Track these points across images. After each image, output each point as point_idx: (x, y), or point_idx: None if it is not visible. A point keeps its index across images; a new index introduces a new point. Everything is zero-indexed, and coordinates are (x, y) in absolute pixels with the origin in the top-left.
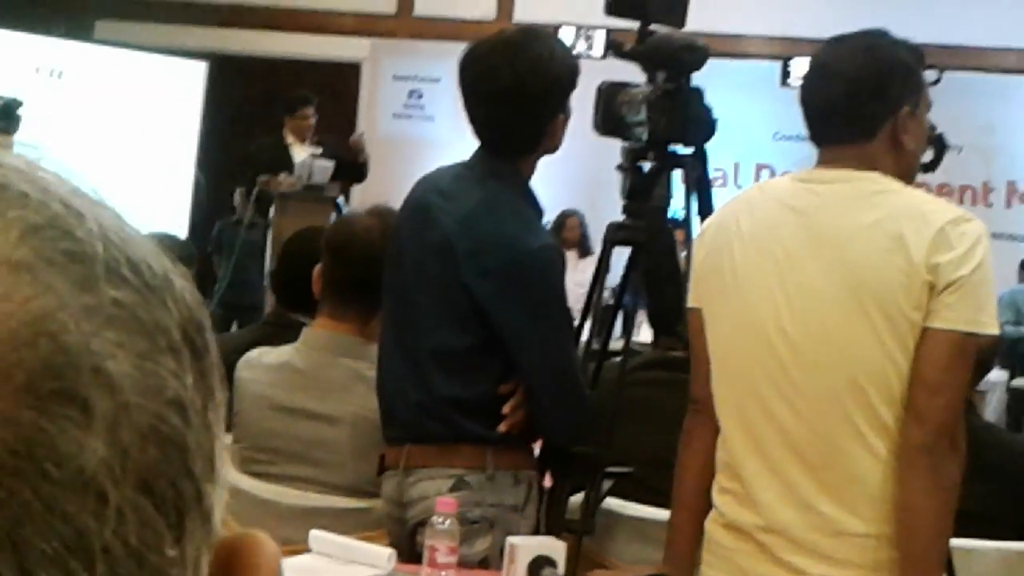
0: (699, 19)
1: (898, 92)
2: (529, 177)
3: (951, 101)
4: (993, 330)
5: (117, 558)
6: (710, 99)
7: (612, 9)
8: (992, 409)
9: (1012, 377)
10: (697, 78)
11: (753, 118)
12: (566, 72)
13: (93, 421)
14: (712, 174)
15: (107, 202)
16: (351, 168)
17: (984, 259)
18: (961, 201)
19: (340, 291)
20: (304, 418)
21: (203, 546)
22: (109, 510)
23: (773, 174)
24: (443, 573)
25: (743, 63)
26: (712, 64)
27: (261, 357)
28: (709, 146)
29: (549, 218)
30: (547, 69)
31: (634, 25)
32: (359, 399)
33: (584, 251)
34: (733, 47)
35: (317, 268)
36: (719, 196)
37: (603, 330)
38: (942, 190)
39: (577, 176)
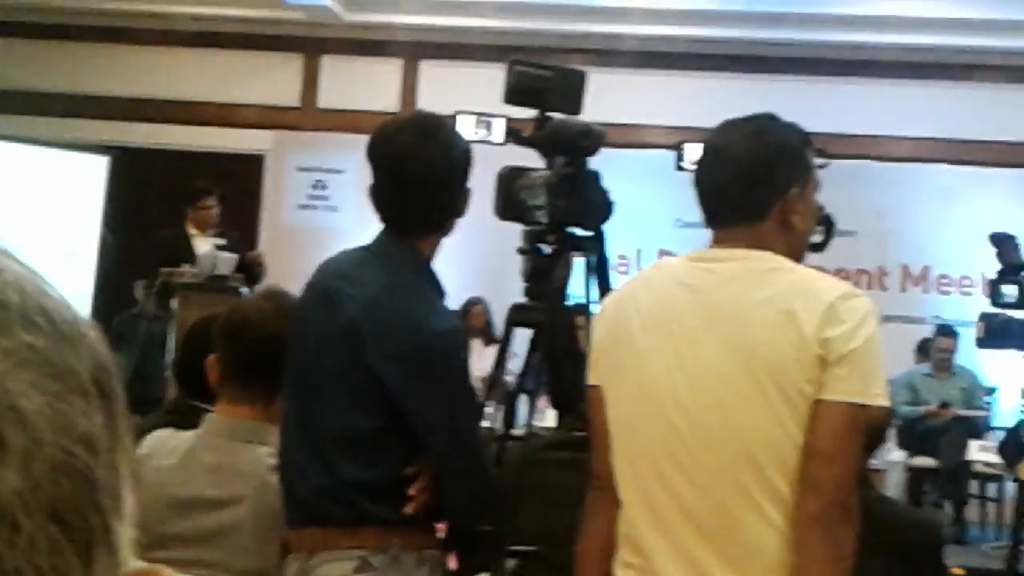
0: (595, 109)
1: (787, 175)
2: (431, 259)
3: (846, 188)
4: (883, 401)
5: None
6: (611, 188)
7: (511, 98)
8: (892, 487)
9: (910, 456)
10: (597, 168)
11: (654, 205)
12: (468, 153)
13: (7, 454)
14: (615, 260)
15: (23, 259)
16: (248, 271)
17: (872, 333)
18: (858, 285)
19: (237, 375)
20: (205, 507)
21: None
22: (21, 537)
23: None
24: None
25: (640, 152)
26: (612, 153)
27: (165, 442)
28: (611, 231)
29: (454, 305)
30: (454, 151)
31: (533, 113)
32: (260, 483)
33: (489, 339)
34: (630, 136)
35: (212, 357)
36: (623, 282)
37: (507, 413)
38: (839, 274)
39: (481, 263)
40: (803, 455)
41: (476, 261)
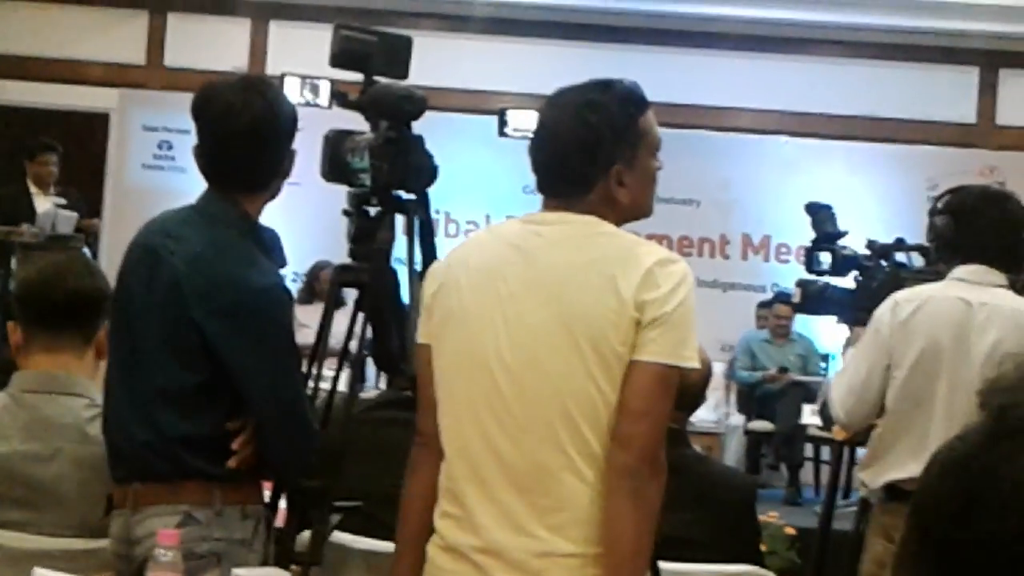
0: (448, 74)
1: (608, 153)
2: (257, 218)
3: (691, 158)
4: (694, 364)
5: None
6: (457, 153)
7: (336, 62)
8: (732, 451)
9: (748, 420)
10: (420, 127)
11: (501, 171)
12: (293, 114)
13: None
14: (465, 226)
15: None
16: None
17: (687, 297)
18: (701, 253)
19: (47, 326)
20: (24, 462)
21: None
22: None
23: None
24: None
25: (481, 118)
26: (452, 117)
27: None
28: (462, 198)
29: (302, 269)
30: (281, 111)
31: (360, 77)
32: (79, 434)
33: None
34: (477, 102)
35: (11, 322)
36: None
37: (336, 375)
38: (682, 242)
39: (332, 227)
40: (615, 413)
41: (327, 225)
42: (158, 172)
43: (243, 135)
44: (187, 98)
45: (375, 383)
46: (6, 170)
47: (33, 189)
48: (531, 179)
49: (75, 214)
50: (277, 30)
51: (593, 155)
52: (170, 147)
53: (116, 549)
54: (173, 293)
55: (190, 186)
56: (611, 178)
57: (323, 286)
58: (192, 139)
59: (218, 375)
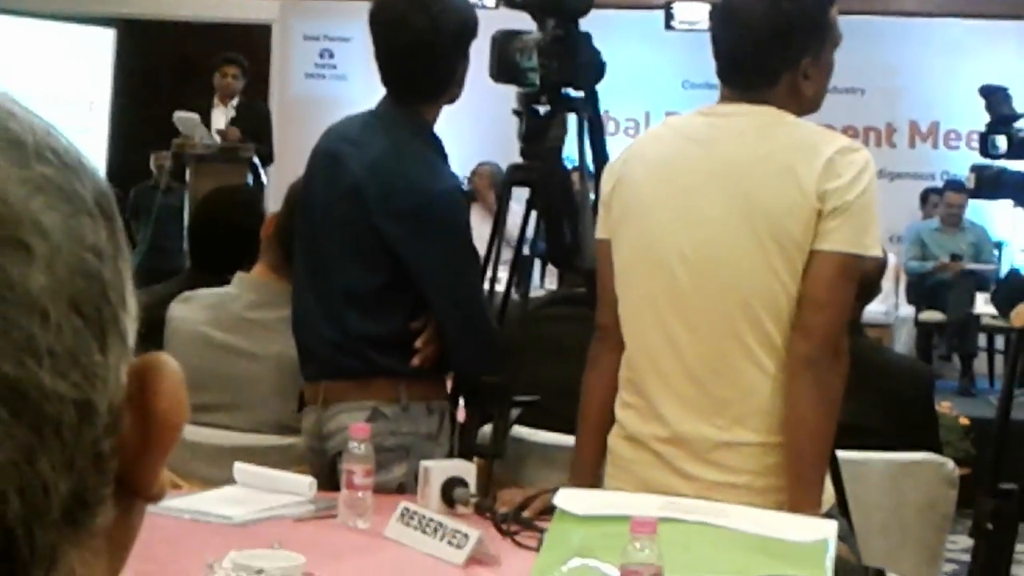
0: None
1: (800, 45)
2: (433, 123)
3: (855, 45)
4: (876, 252)
5: (58, 357)
6: (614, 49)
7: None
8: (902, 343)
9: (919, 311)
10: (588, 24)
11: (660, 66)
12: (471, 20)
13: (35, 259)
14: (625, 123)
15: (32, 110)
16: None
17: (869, 186)
18: (866, 142)
19: (284, 242)
20: (232, 355)
21: (122, 357)
22: (51, 323)
23: None
24: (360, 494)
25: (636, 13)
26: (610, 15)
27: (195, 295)
28: (620, 95)
29: (464, 170)
30: (455, 17)
31: None
32: (285, 343)
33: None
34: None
35: (271, 215)
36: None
37: (517, 273)
38: (847, 131)
39: (492, 129)
40: (797, 303)
41: (487, 128)
42: (320, 81)
43: (407, 49)
44: (346, 6)
45: (540, 283)
46: (175, 84)
47: (216, 102)
48: (692, 74)
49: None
50: None
51: (787, 44)
52: (331, 55)
53: (309, 444)
54: (354, 197)
55: (352, 94)
56: (800, 70)
57: (483, 182)
58: (351, 47)
59: (400, 276)
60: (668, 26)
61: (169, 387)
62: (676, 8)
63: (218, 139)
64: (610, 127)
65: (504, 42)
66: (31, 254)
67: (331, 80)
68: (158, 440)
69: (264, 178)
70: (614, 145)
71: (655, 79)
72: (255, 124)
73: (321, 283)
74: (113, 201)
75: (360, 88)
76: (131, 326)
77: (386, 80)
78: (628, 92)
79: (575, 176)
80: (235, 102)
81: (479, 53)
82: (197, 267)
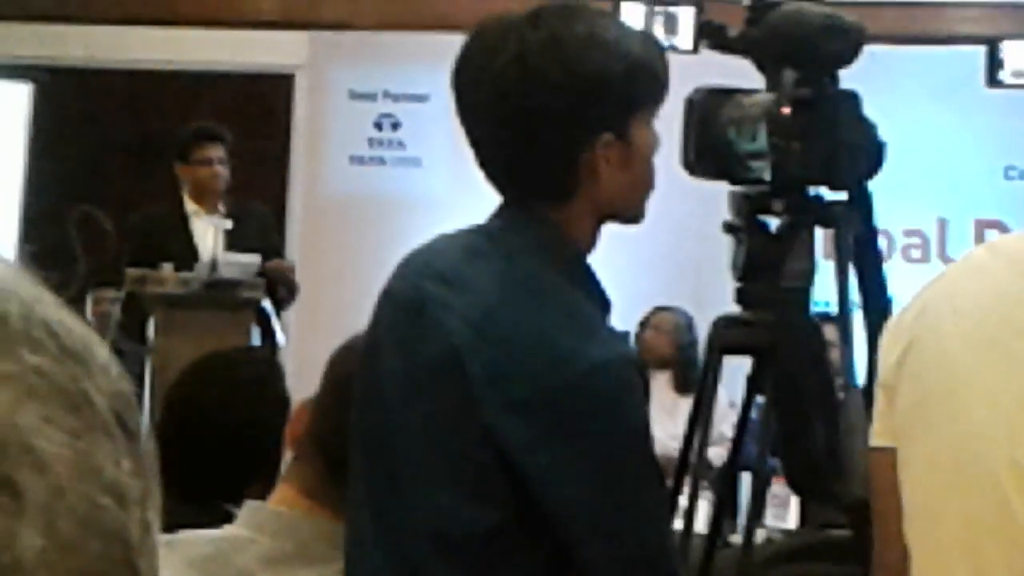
0: None
1: None
2: (584, 242)
3: None
4: None
5: None
6: (885, 112)
7: None
8: None
9: None
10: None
11: (963, 141)
12: (649, 64)
13: (26, 507)
14: (903, 240)
15: (14, 265)
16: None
17: None
18: None
19: (334, 454)
20: None
21: None
22: None
23: (1005, 232)
24: None
25: (937, 52)
26: (891, 55)
27: (176, 542)
28: (884, 191)
29: (625, 324)
30: (615, 56)
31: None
32: None
33: (684, 380)
34: (928, 23)
35: (300, 404)
36: (914, 276)
37: (716, 504)
38: None
39: (681, 256)
40: None
41: (670, 247)
42: (377, 169)
43: (503, 109)
44: (418, 44)
45: (763, 518)
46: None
47: (190, 206)
48: (1015, 153)
49: (255, 257)
50: None
51: None
52: (395, 126)
53: None
54: (451, 376)
55: (432, 189)
56: None
57: (662, 341)
58: (429, 110)
59: (525, 510)
60: (993, 79)
61: None
62: (1005, 50)
63: (205, 267)
64: (882, 245)
65: (708, 107)
66: (20, 501)
67: (393, 166)
68: None
69: (280, 336)
70: (895, 280)
71: (960, 164)
72: (262, 241)
73: (393, 519)
74: (134, 408)
75: (443, 179)
76: None
77: (491, 171)
78: (914, 186)
79: (830, 335)
80: (224, 203)
81: (665, 125)
82: (176, 495)
